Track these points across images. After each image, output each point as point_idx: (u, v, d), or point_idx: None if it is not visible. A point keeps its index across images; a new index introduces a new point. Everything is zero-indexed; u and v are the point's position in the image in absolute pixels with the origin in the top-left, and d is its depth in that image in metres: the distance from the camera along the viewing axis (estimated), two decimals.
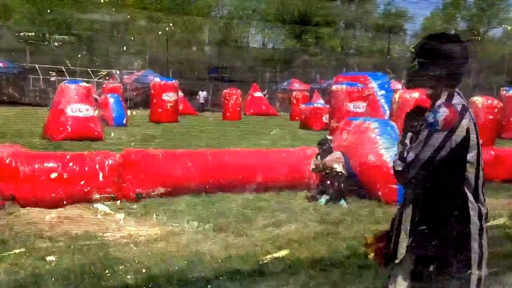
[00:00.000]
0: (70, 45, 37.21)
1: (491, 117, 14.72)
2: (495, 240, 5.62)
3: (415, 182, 2.47)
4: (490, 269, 2.49)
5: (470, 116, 2.42)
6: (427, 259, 2.45)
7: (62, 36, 38.50)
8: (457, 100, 2.45)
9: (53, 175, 6.63)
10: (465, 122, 2.38)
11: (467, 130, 2.38)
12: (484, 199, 2.47)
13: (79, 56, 36.21)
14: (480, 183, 2.44)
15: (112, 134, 14.16)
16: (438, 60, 2.46)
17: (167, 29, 44.54)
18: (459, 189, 2.40)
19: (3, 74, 35.15)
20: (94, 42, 39.59)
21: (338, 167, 7.44)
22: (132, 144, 10.70)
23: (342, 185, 7.41)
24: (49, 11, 38.29)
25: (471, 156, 2.40)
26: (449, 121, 2.36)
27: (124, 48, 41.32)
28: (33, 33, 36.65)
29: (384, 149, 7.47)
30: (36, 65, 35.76)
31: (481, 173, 2.45)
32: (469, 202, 2.39)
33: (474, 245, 2.38)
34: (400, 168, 2.46)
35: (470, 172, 2.41)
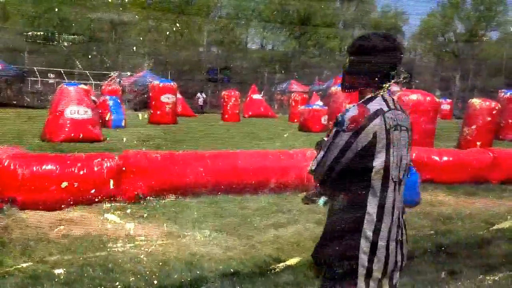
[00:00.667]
0: (67, 47, 37.17)
1: (489, 119, 14.76)
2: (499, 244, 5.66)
3: (326, 183, 2.40)
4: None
5: (384, 121, 2.25)
6: (324, 264, 2.38)
7: (65, 36, 38.47)
8: (375, 103, 2.31)
9: (52, 177, 6.65)
10: (372, 127, 2.23)
11: (374, 135, 2.22)
12: (400, 215, 2.32)
13: (77, 58, 36.19)
14: (390, 195, 2.27)
15: (109, 137, 14.20)
16: (364, 59, 2.37)
17: (167, 33, 44.59)
18: (361, 196, 2.26)
19: (0, 76, 35.13)
20: (93, 43, 39.57)
21: None
22: (137, 144, 10.75)
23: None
24: (45, 11, 38.29)
25: (377, 163, 2.23)
26: (354, 122, 2.25)
27: (133, 49, 41.34)
28: (30, 33, 36.63)
29: None
30: (35, 68, 35.76)
31: (390, 184, 2.27)
32: (366, 213, 2.24)
33: (362, 257, 2.23)
34: (313, 168, 2.40)
35: (375, 180, 2.25)
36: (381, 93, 2.36)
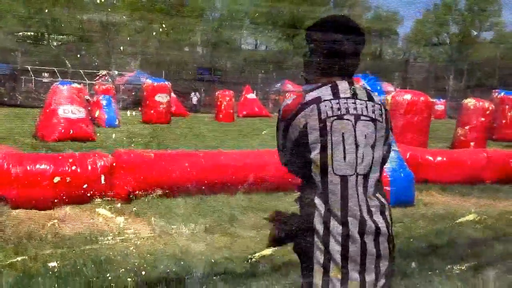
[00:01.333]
0: (60, 46, 37.06)
1: (483, 119, 14.80)
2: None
3: (288, 170, 2.29)
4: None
5: (319, 111, 2.10)
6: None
7: (57, 36, 38.37)
8: (316, 92, 2.15)
9: (45, 176, 6.61)
10: (301, 116, 2.11)
11: (304, 126, 2.09)
12: (366, 209, 2.14)
13: (69, 57, 36.09)
14: (336, 188, 2.10)
15: (102, 136, 14.16)
16: (318, 47, 2.23)
17: (160, 29, 44.53)
18: (310, 190, 2.15)
19: None
20: (85, 43, 39.48)
21: None
22: (131, 144, 10.72)
23: None
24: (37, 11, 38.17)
25: (313, 154, 2.10)
26: (285, 111, 2.17)
27: (120, 48, 41.24)
28: (21, 33, 36.51)
29: None
30: (28, 67, 35.62)
31: (335, 178, 2.10)
32: (316, 208, 2.11)
33: (317, 254, 2.10)
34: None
35: (315, 172, 2.12)
36: (335, 81, 2.18)
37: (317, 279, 2.11)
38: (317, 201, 2.12)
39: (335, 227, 2.08)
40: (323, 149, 2.09)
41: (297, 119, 2.12)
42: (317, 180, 2.12)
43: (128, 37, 46.64)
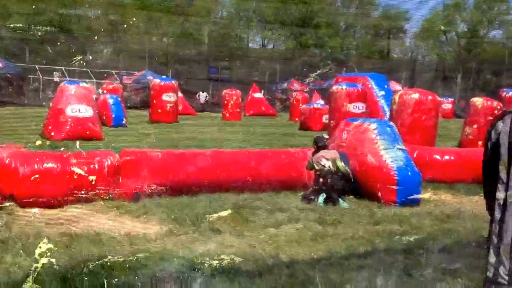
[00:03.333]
0: (67, 44, 37.16)
1: (491, 118, 14.71)
2: None
3: None
4: None
5: None
6: None
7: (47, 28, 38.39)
8: None
9: (52, 175, 6.64)
10: None
11: None
12: None
13: (77, 56, 36.19)
14: None
15: (109, 136, 14.21)
16: None
17: (168, 28, 44.56)
18: None
19: (1, 74, 35.14)
20: (93, 41, 39.58)
21: (327, 163, 7.37)
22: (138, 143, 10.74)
23: (334, 182, 7.33)
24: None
25: None
26: None
27: (128, 47, 41.39)
28: (31, 32, 36.64)
29: (383, 150, 7.47)
30: (36, 66, 35.76)
31: None
32: None
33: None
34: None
35: None
36: None
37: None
38: None
39: None
40: None
41: None
42: None
43: (137, 35, 46.78)
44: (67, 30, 41.97)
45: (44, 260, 4.82)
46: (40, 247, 4.35)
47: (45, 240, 5.81)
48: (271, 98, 37.68)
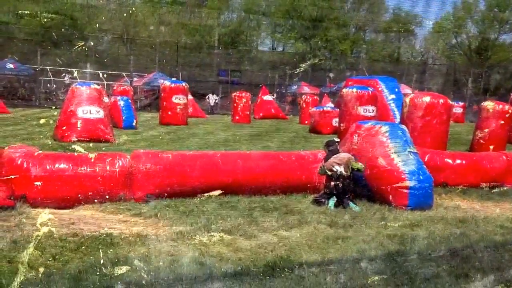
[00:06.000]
0: (78, 49, 37.41)
1: (502, 122, 14.63)
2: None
3: None
4: None
5: None
6: None
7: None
8: None
9: (64, 176, 6.68)
10: None
11: None
12: None
13: (89, 58, 36.44)
14: None
15: (120, 137, 14.26)
16: None
17: (180, 32, 44.71)
18: None
19: (14, 76, 35.50)
20: (105, 44, 39.82)
21: (339, 168, 7.35)
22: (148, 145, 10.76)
23: (346, 187, 7.30)
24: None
25: None
26: None
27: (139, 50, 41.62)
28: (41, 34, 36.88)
29: (394, 153, 7.43)
30: (47, 67, 36.04)
31: None
32: None
33: None
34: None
35: None
36: None
37: None
38: None
39: None
40: None
41: None
42: None
43: (148, 38, 46.96)
44: (80, 31, 42.25)
45: (45, 229, 4.92)
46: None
47: (46, 210, 6.00)
48: (281, 100, 37.73)
